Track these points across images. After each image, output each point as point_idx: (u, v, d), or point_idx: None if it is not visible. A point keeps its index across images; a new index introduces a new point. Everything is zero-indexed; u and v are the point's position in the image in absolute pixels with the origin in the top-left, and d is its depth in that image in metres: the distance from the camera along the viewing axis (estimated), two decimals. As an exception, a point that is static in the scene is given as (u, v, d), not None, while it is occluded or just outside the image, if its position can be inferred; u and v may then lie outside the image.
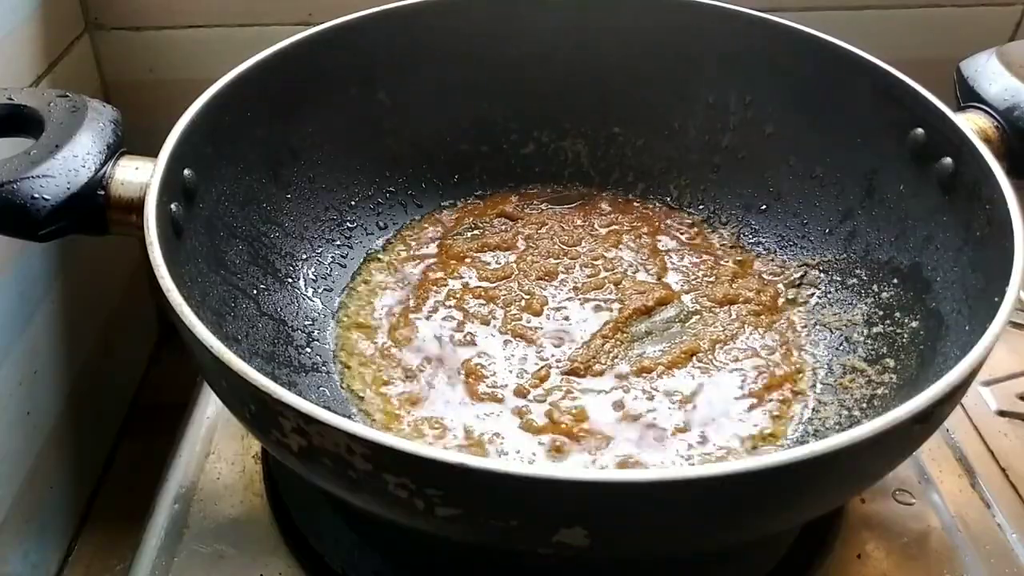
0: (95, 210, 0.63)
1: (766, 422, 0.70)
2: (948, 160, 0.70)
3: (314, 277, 0.81)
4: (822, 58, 0.79)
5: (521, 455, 0.67)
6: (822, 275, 0.81)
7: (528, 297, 0.80)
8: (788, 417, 0.70)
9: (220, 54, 1.03)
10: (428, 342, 0.76)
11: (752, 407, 0.71)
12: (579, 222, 0.88)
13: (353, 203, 0.86)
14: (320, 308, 0.79)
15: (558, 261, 0.84)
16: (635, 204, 0.91)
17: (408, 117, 0.87)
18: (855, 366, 0.73)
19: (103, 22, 1.04)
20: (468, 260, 0.84)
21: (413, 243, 0.86)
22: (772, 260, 0.84)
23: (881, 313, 0.74)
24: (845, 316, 0.77)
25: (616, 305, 0.79)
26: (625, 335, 0.77)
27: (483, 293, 0.80)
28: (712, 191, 0.89)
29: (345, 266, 0.83)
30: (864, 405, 0.69)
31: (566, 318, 0.78)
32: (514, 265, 0.83)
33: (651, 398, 0.71)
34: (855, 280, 0.78)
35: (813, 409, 0.71)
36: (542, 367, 0.73)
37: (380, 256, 0.85)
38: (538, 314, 0.78)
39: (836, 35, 0.79)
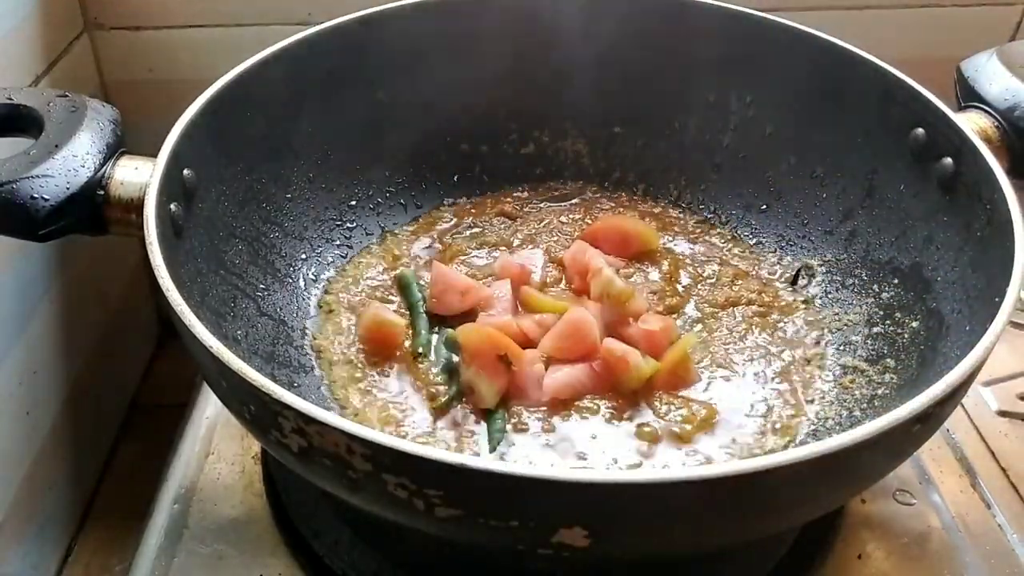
0: (95, 210, 0.63)
1: (768, 424, 0.70)
2: (948, 160, 0.70)
3: (314, 277, 0.81)
4: (822, 58, 0.79)
5: (526, 458, 0.67)
6: (822, 275, 0.81)
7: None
8: (794, 417, 0.70)
9: (220, 54, 1.03)
10: (428, 343, 0.76)
11: (753, 408, 0.71)
12: (579, 222, 0.88)
13: (353, 203, 0.86)
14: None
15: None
16: (636, 204, 0.91)
17: (408, 117, 0.87)
18: (856, 366, 0.73)
19: (102, 22, 1.04)
20: (468, 259, 0.84)
21: (413, 243, 0.86)
22: (772, 260, 0.84)
23: (881, 313, 0.74)
24: (845, 316, 0.77)
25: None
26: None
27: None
28: (713, 191, 0.89)
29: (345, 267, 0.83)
30: (865, 405, 0.69)
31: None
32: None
33: (653, 399, 0.71)
34: (855, 280, 0.78)
35: (815, 409, 0.71)
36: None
37: (380, 256, 0.85)
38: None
39: (836, 35, 0.79)
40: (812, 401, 0.72)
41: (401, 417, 0.69)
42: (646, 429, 0.68)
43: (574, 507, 0.47)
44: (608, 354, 0.70)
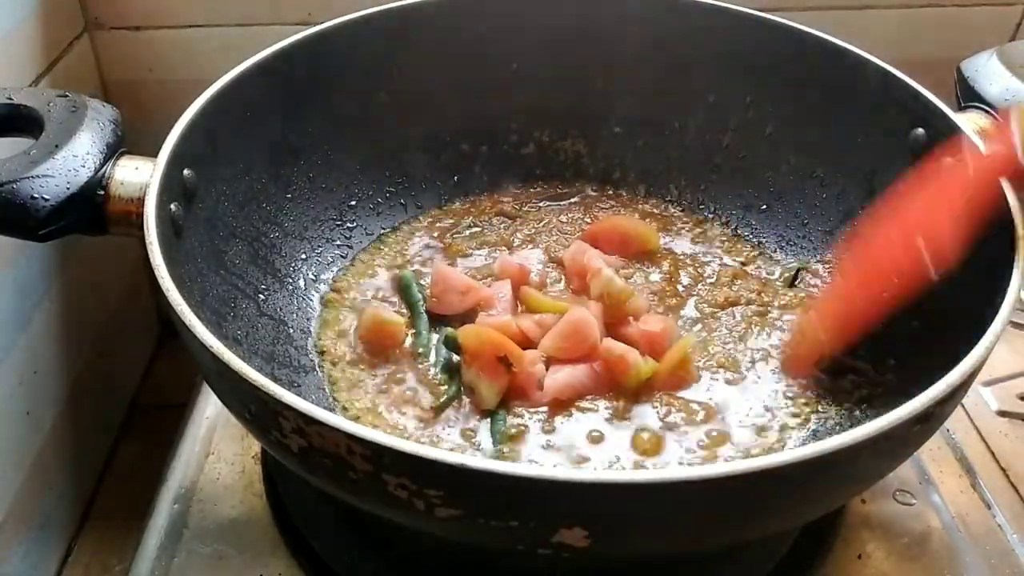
0: (95, 210, 0.63)
1: (768, 423, 0.70)
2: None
3: (314, 277, 0.81)
4: (822, 58, 0.79)
5: (526, 458, 0.67)
6: (823, 275, 0.81)
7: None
8: (794, 417, 0.70)
9: (220, 54, 1.03)
10: (428, 343, 0.76)
11: (753, 408, 0.71)
12: (578, 222, 0.88)
13: (353, 203, 0.86)
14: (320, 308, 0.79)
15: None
16: (636, 204, 0.91)
17: (408, 117, 0.87)
18: (856, 366, 0.73)
19: (103, 22, 1.04)
20: (468, 259, 0.84)
21: (413, 243, 0.86)
22: (772, 260, 0.84)
23: (881, 313, 0.74)
24: (845, 316, 0.77)
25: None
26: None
27: (483, 293, 0.80)
28: (712, 191, 0.89)
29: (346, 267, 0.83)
30: (865, 405, 0.69)
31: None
32: (514, 265, 0.83)
33: (653, 399, 0.71)
34: (855, 280, 0.78)
35: (815, 409, 0.71)
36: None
37: (380, 256, 0.85)
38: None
39: (836, 35, 0.79)
40: (812, 401, 0.72)
41: (401, 417, 0.69)
42: (646, 429, 0.68)
43: (574, 507, 0.47)
44: (608, 354, 0.70)
